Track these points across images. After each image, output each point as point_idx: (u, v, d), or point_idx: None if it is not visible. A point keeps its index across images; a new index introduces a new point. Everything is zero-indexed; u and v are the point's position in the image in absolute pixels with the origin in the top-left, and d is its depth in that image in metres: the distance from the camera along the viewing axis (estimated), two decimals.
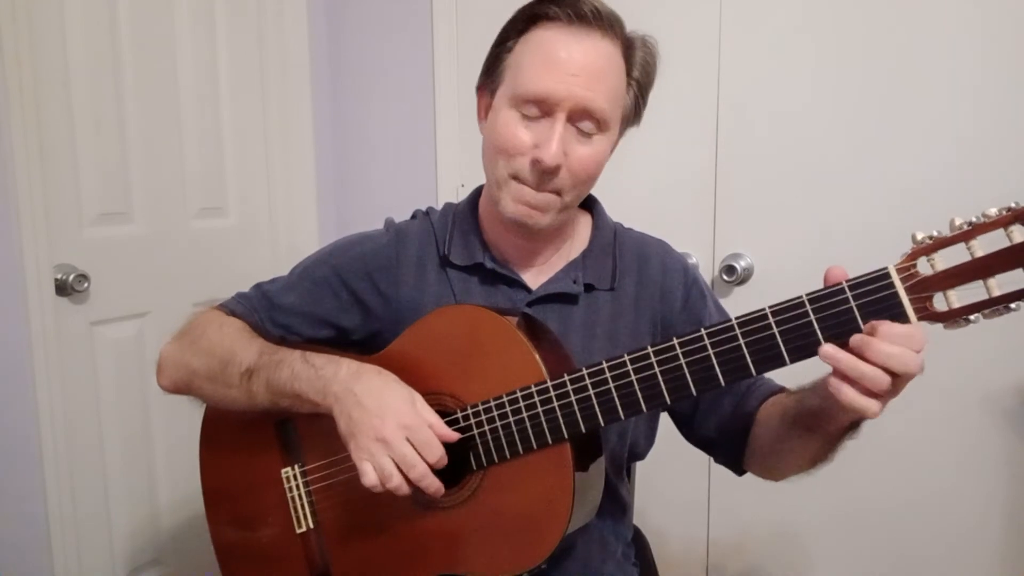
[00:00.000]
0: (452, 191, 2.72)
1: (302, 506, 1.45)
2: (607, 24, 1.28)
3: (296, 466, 1.46)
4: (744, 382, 1.39)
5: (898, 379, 1.02)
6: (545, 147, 1.27)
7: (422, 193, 2.75)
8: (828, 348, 1.03)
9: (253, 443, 1.50)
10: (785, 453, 1.30)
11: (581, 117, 1.28)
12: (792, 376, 1.23)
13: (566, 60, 1.26)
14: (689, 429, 1.48)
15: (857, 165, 2.19)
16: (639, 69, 1.35)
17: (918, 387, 2.12)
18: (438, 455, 1.22)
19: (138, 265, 2.44)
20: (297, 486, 1.46)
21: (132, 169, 2.41)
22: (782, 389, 1.38)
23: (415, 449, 1.21)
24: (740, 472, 1.45)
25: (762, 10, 2.27)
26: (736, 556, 2.48)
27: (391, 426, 1.22)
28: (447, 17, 2.68)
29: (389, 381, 1.27)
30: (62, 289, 2.23)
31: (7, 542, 2.17)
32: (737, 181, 2.34)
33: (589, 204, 1.52)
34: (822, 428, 1.18)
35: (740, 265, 2.31)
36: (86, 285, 2.27)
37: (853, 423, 1.16)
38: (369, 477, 1.23)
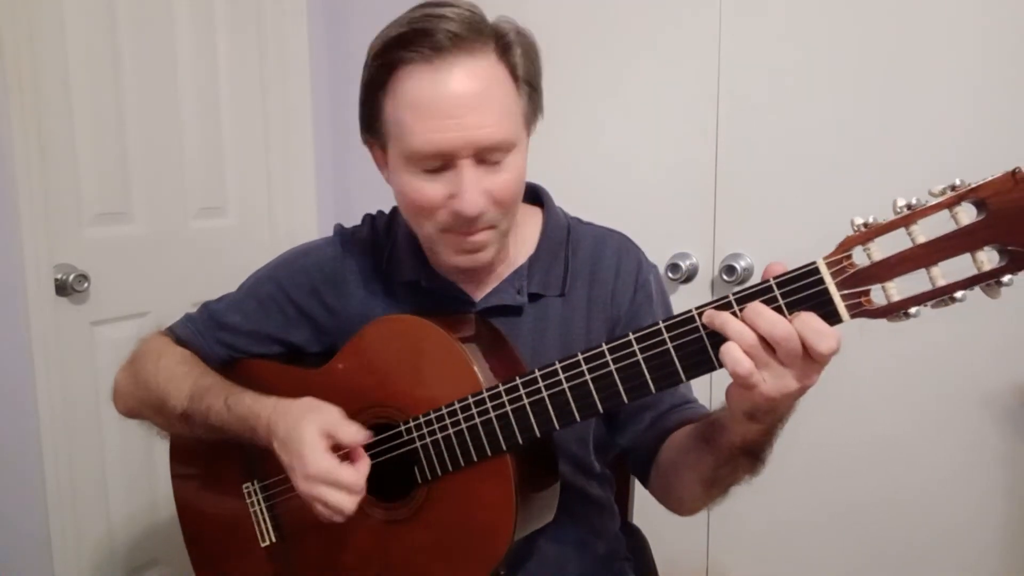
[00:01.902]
0: None
1: (264, 520, 1.45)
2: (471, 41, 1.16)
3: (255, 481, 1.45)
4: (669, 400, 1.34)
5: (779, 352, 0.95)
6: (461, 198, 1.18)
7: None
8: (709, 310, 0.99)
9: (216, 458, 1.50)
10: (683, 471, 1.26)
11: (485, 153, 1.19)
12: None
13: (444, 104, 1.15)
14: (610, 434, 1.43)
15: (859, 165, 2.15)
16: (523, 67, 1.23)
17: (917, 386, 2.10)
18: (356, 491, 1.18)
19: (138, 265, 2.45)
20: (258, 500, 1.45)
21: (132, 169, 2.41)
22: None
23: (336, 487, 1.18)
24: (646, 485, 1.40)
25: (763, 9, 2.23)
26: (736, 555, 2.46)
27: (300, 482, 1.20)
28: None
29: (293, 424, 1.23)
30: (62, 289, 2.24)
31: (7, 542, 2.18)
32: (737, 180, 2.30)
33: (539, 199, 1.44)
34: (715, 440, 1.13)
35: (740, 265, 2.26)
36: (86, 285, 2.27)
37: (748, 446, 1.11)
38: (324, 518, 1.22)
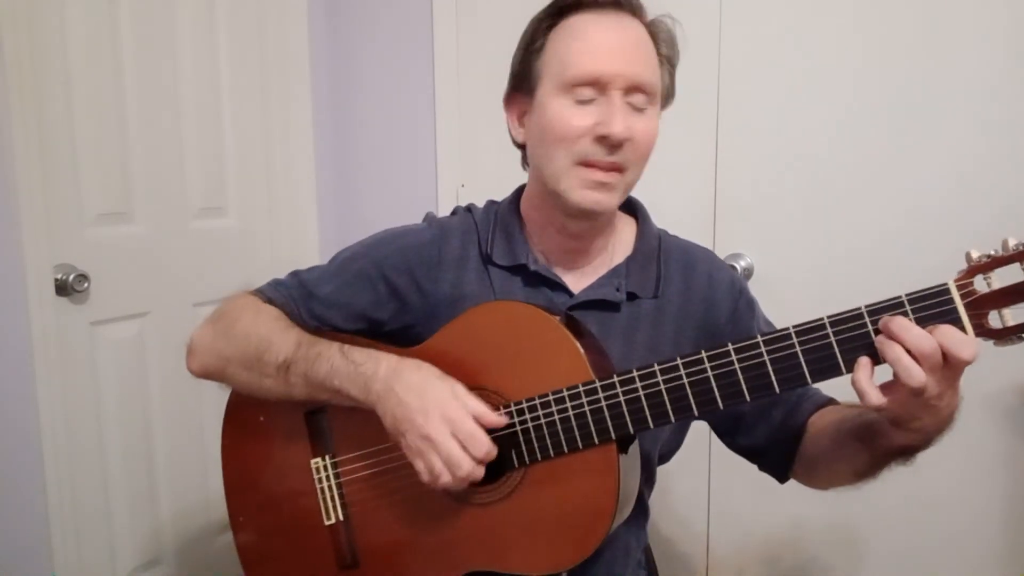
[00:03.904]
0: (452, 191, 2.73)
1: (332, 497, 1.44)
2: (629, 9, 1.33)
3: (327, 457, 1.45)
4: (795, 393, 1.40)
5: (923, 365, 1.03)
6: (611, 121, 1.27)
7: (422, 193, 2.76)
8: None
9: (281, 432, 1.48)
10: (834, 463, 1.33)
11: (633, 92, 1.30)
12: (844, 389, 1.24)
13: (608, 40, 1.30)
14: (732, 438, 1.49)
15: (858, 165, 2.21)
16: (666, 45, 1.38)
17: None
18: (485, 449, 1.22)
19: (138, 265, 2.44)
20: (328, 477, 1.44)
21: (133, 169, 2.40)
22: (832, 401, 1.40)
23: (461, 444, 1.21)
24: (784, 480, 1.46)
25: (762, 8, 2.28)
26: (736, 556, 2.49)
27: (435, 422, 1.22)
28: (447, 18, 2.68)
29: (429, 376, 1.27)
30: (62, 289, 2.23)
31: (8, 542, 2.17)
32: (738, 181, 2.36)
33: (634, 209, 1.53)
34: (874, 443, 1.21)
35: (740, 265, 2.32)
36: (86, 285, 2.26)
37: (904, 449, 1.19)
38: (423, 476, 1.24)
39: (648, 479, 1.52)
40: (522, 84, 1.38)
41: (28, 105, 2.09)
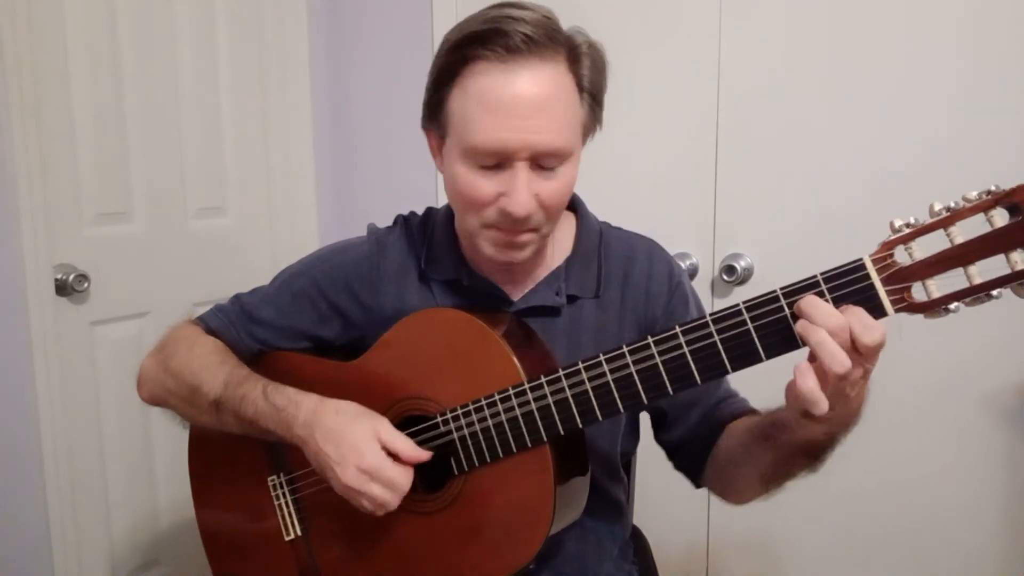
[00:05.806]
0: None
1: (289, 514, 1.45)
2: (544, 46, 1.18)
3: (281, 474, 1.46)
4: (715, 395, 1.37)
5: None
6: (513, 197, 1.20)
7: (422, 193, 2.72)
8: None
9: (240, 451, 1.49)
10: (740, 464, 1.28)
11: (541, 158, 1.21)
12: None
13: (511, 104, 1.17)
14: (656, 432, 1.46)
15: (859, 165, 2.17)
16: (589, 79, 1.25)
17: (916, 385, 2.12)
18: (406, 488, 1.24)
19: (138, 265, 2.45)
20: (284, 493, 1.46)
21: (132, 169, 2.41)
22: (753, 411, 1.34)
23: (383, 486, 1.23)
24: (696, 483, 1.43)
25: (762, 10, 2.25)
26: (736, 555, 2.47)
27: (351, 474, 1.22)
28: (447, 17, 2.65)
29: (348, 419, 1.27)
30: (62, 289, 2.25)
31: (7, 542, 2.18)
32: (737, 180, 2.32)
33: (573, 205, 1.46)
34: (776, 438, 1.16)
35: (740, 265, 2.29)
36: (86, 285, 2.28)
37: (809, 447, 1.14)
38: (365, 511, 1.26)
39: (613, 476, 1.49)
40: (433, 121, 1.29)
41: (28, 105, 2.12)
